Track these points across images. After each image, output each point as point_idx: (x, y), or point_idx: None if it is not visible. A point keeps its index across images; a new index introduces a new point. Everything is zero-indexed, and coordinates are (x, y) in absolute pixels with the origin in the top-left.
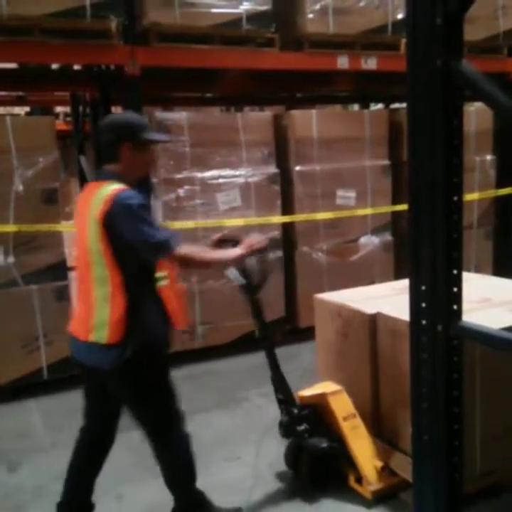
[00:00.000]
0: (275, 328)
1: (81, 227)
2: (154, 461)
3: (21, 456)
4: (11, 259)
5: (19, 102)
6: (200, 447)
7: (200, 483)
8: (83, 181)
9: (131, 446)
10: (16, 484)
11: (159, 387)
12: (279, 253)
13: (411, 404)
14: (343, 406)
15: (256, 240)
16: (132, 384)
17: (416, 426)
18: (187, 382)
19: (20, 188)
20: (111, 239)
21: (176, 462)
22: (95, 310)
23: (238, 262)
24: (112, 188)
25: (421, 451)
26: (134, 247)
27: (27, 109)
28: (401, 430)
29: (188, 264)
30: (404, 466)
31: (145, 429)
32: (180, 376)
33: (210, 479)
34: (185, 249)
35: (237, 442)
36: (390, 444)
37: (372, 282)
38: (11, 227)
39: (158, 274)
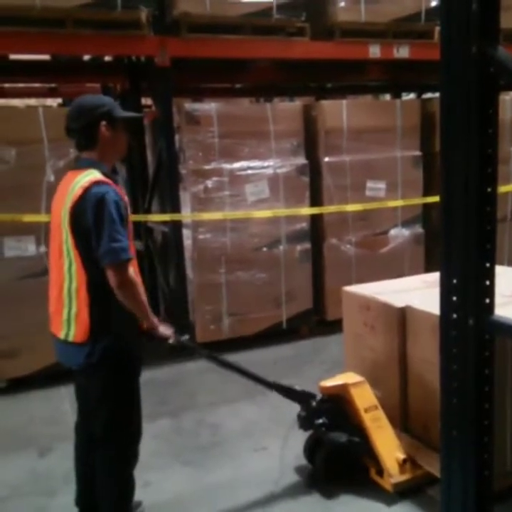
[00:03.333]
0: (302, 321)
1: (56, 217)
2: (181, 449)
3: (52, 442)
4: (42, 249)
5: (51, 93)
6: (227, 437)
7: (229, 474)
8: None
9: (157, 434)
10: (46, 470)
11: (125, 393)
12: (308, 245)
13: (440, 399)
14: (364, 397)
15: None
16: (98, 386)
17: (445, 421)
18: (214, 374)
19: (52, 178)
20: (77, 231)
21: (115, 482)
22: (64, 305)
23: (151, 328)
24: (88, 178)
25: (450, 447)
26: (93, 245)
27: (59, 100)
28: (429, 425)
29: (128, 288)
30: (432, 462)
31: (97, 433)
32: (206, 367)
33: (238, 470)
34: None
35: (264, 433)
36: (418, 439)
37: (401, 275)
38: (42, 217)
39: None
